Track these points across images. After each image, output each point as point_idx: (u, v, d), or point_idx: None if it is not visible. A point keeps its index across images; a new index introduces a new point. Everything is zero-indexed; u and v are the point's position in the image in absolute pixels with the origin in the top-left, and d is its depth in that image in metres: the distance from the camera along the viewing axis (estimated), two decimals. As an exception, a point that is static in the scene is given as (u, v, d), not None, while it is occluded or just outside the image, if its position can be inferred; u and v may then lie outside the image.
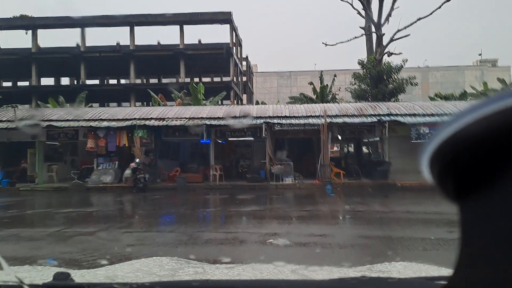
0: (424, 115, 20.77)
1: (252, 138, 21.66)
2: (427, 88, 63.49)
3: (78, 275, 1.63)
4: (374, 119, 20.45)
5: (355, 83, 32.10)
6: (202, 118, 20.57)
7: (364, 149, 27.67)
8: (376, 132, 21.33)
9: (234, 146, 24.95)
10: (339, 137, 24.38)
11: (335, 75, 35.87)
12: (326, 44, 32.09)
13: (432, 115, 20.76)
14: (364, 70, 31.55)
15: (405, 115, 20.86)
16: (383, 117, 20.47)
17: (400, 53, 30.74)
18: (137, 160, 18.97)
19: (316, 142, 22.30)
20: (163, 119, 20.50)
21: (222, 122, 20.36)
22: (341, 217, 12.37)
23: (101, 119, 20.45)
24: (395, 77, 31.13)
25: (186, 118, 20.57)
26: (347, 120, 20.42)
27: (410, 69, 41.10)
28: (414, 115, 20.88)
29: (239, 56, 49.63)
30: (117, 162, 21.12)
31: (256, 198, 16.54)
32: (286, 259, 2.17)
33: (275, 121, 20.39)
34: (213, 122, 20.24)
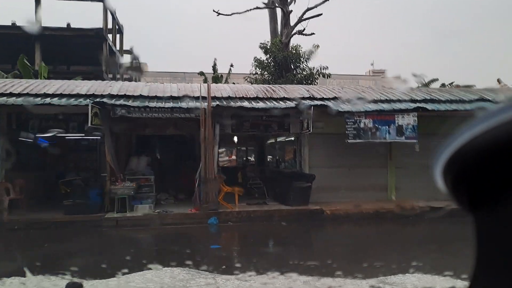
0: (364, 101, 12.36)
1: (83, 135, 11.45)
2: (324, 96, 58.49)
3: (90, 285, 1.78)
4: (290, 103, 11.53)
5: (256, 72, 23.34)
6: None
7: (269, 157, 18.82)
8: (292, 126, 12.42)
9: (68, 150, 14.31)
10: (235, 139, 15.19)
11: (231, 65, 26.84)
12: (218, 13, 22.90)
13: (375, 101, 12.46)
14: (268, 55, 22.98)
15: (336, 99, 12.26)
16: (303, 101, 11.63)
17: (312, 34, 22.66)
18: None
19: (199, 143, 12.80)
20: None
21: (16, 101, 9.91)
22: None
23: None
24: (305, 65, 23.00)
25: None
26: (245, 104, 11.20)
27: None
28: (349, 100, 12.38)
29: (119, 47, 38.28)
30: None
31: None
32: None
33: (119, 102, 10.46)
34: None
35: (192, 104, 10.77)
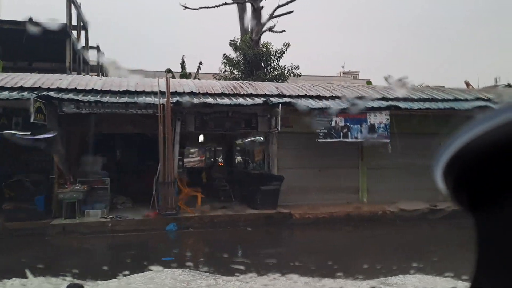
0: (334, 98, 11.77)
1: (29, 133, 10.30)
2: (297, 96, 58.13)
3: (91, 287, 1.73)
4: (258, 100, 10.77)
5: (225, 70, 22.51)
6: None
7: (239, 158, 18.01)
8: (260, 124, 11.66)
9: (20, 148, 13.02)
10: (201, 138, 14.32)
11: (200, 63, 25.90)
12: (185, 7, 21.93)
13: (346, 99, 11.85)
14: (238, 52, 22.20)
15: (306, 97, 11.60)
16: (272, 99, 10.91)
17: (283, 31, 22.00)
18: None
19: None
20: None
21: None
22: None
23: None
24: (276, 63, 22.36)
25: None
26: (209, 100, 10.37)
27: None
28: (319, 97, 11.76)
29: (84, 44, 36.32)
30: None
31: None
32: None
33: (68, 96, 9.43)
34: None
35: (150, 99, 9.85)
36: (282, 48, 22.42)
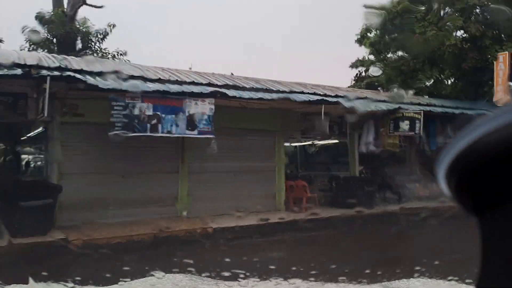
0: (146, 81, 8.88)
1: None
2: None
3: None
4: (15, 71, 7.18)
5: (28, 48, 17.76)
6: None
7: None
8: (31, 110, 8.07)
9: None
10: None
11: (0, 40, 20.33)
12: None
13: (160, 81, 9.11)
14: (45, 27, 17.79)
15: (100, 73, 8.43)
16: (43, 71, 7.45)
17: (101, 6, 18.12)
18: None
19: None
20: None
21: None
22: None
23: None
24: (98, 46, 18.58)
25: None
26: None
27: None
28: (115, 73, 8.70)
29: None
30: None
31: None
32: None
33: None
34: None
35: None
36: (106, 29, 18.73)
